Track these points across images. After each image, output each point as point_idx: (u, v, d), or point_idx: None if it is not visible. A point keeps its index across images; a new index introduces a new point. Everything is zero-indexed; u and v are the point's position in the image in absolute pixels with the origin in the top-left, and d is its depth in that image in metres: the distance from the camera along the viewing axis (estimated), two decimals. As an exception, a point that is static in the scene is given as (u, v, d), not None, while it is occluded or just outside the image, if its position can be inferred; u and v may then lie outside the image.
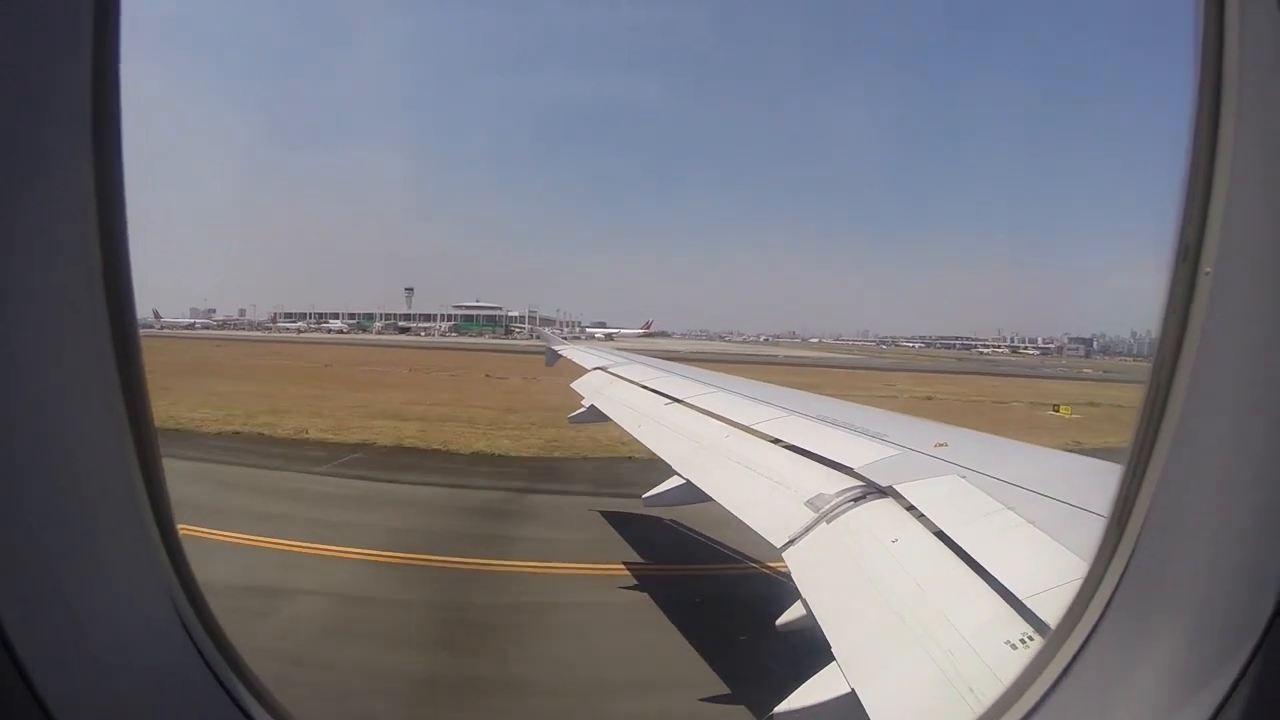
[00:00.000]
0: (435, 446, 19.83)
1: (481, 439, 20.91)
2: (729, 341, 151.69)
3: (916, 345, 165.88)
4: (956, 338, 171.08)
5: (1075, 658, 1.61)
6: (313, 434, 21.18)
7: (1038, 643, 2.27)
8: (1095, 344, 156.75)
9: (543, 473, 17.15)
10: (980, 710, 1.88)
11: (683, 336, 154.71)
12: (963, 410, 33.96)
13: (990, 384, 56.57)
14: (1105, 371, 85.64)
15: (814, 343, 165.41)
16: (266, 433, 21.08)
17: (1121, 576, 1.54)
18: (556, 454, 19.44)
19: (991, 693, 1.92)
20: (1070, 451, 5.66)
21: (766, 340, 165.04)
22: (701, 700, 7.07)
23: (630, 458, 19.00)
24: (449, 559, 10.48)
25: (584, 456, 19.22)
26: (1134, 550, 1.52)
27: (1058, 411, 37.04)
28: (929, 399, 40.44)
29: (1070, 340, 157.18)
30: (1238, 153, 1.29)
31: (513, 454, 19.20)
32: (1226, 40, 1.28)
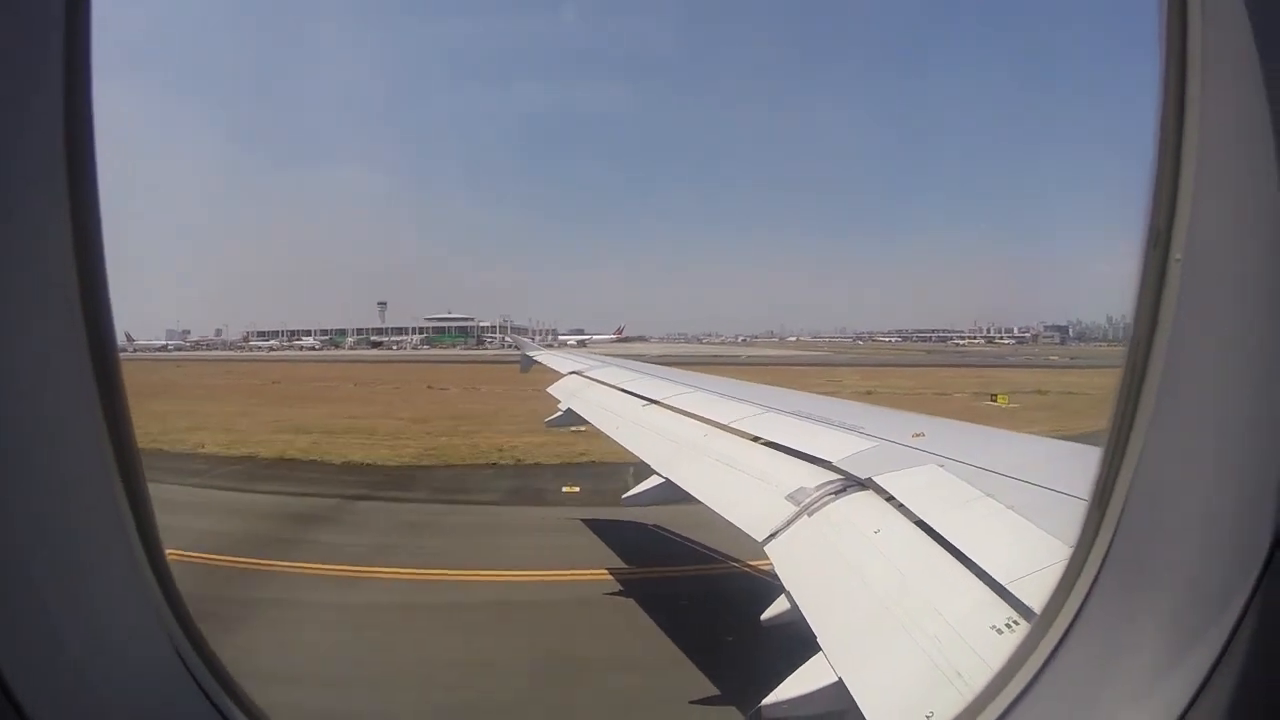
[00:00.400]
0: (314, 458, 20.86)
1: (365, 449, 21.93)
2: (706, 344, 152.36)
3: (893, 340, 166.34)
4: (933, 330, 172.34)
5: (1063, 639, 1.64)
6: (208, 449, 22.19)
7: (1023, 627, 2.29)
8: (1071, 331, 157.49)
9: (395, 481, 18.10)
10: (969, 694, 1.88)
11: (661, 340, 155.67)
12: (900, 402, 34.71)
13: (944, 375, 57.10)
14: (1072, 358, 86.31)
15: (791, 341, 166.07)
16: (166, 449, 21.91)
17: (1105, 558, 1.57)
18: (425, 462, 20.46)
19: (979, 677, 1.89)
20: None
21: (744, 341, 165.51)
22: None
23: (495, 464, 20.15)
24: (232, 559, 11.37)
25: (449, 464, 20.26)
26: (1116, 531, 1.55)
27: (995, 401, 37.78)
28: (869, 393, 41.09)
29: (1046, 328, 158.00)
30: (1204, 142, 1.32)
31: (382, 463, 20.20)
32: (1190, 30, 1.31)
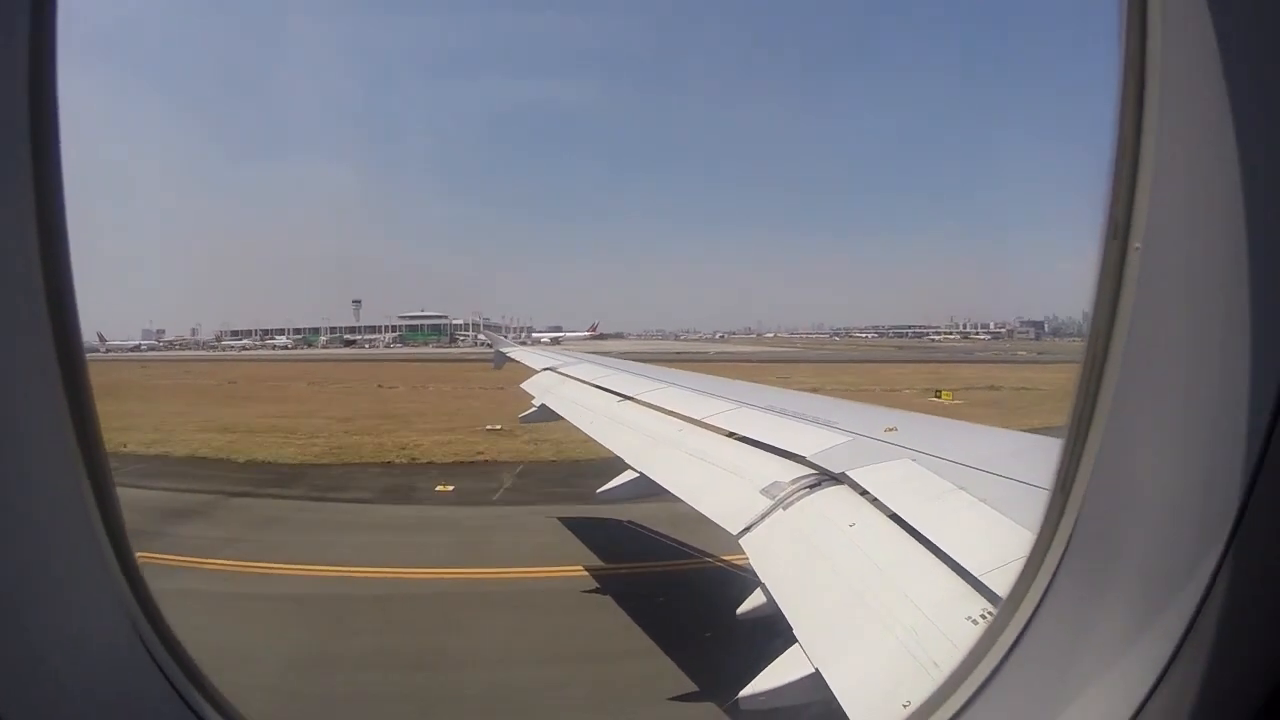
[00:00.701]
0: (223, 456, 21.72)
1: (275, 448, 22.81)
2: (684, 340, 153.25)
3: (869, 336, 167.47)
4: (909, 327, 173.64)
5: (1029, 623, 1.67)
6: (129, 448, 22.83)
7: None
8: (1046, 326, 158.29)
9: (282, 479, 18.95)
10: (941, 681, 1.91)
11: (639, 337, 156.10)
12: (842, 399, 35.23)
13: (903, 371, 57.38)
14: (1040, 353, 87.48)
15: (769, 338, 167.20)
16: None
17: (1068, 543, 1.59)
18: (324, 460, 21.37)
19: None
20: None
21: (722, 337, 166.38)
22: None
23: (389, 463, 20.99)
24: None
25: (344, 462, 21.13)
26: (1078, 517, 1.57)
27: (939, 397, 38.49)
28: (814, 390, 41.59)
29: (1022, 324, 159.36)
30: (1162, 132, 1.34)
31: (282, 461, 21.16)
32: (1150, 23, 1.34)
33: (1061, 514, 1.62)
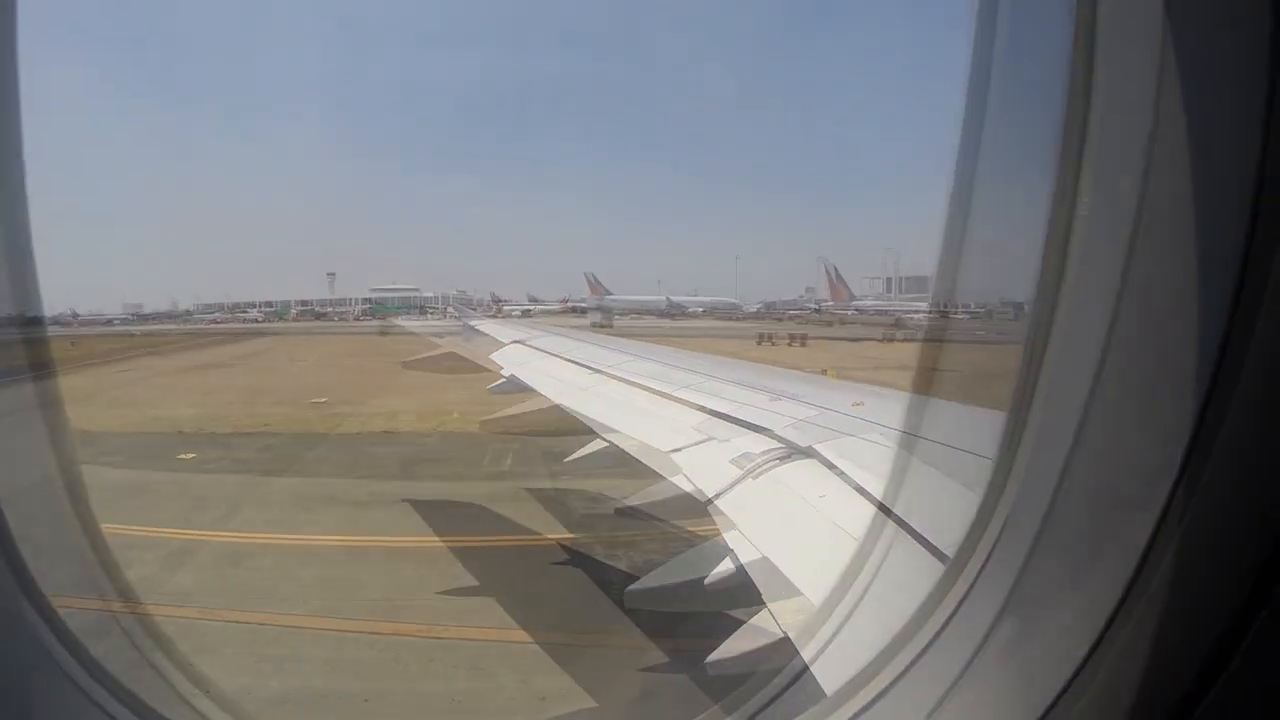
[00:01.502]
0: (50, 426, 24.18)
1: (105, 421, 24.74)
2: (664, 317, 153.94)
3: (850, 313, 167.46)
4: (889, 307, 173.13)
5: (975, 580, 1.74)
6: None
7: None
8: (1026, 307, 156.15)
9: (80, 443, 21.17)
10: (915, 651, 1.92)
11: (621, 313, 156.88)
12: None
13: (827, 348, 58.36)
14: (999, 333, 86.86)
15: (750, 312, 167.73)
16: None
17: (1012, 506, 1.66)
18: (130, 429, 23.59)
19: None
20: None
21: (704, 312, 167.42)
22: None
23: (180, 432, 23.01)
24: None
25: (149, 431, 23.33)
26: (1024, 479, 1.63)
27: (825, 375, 39.99)
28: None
29: (1002, 304, 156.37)
30: (1109, 98, 1.36)
31: (94, 430, 23.01)
32: None
33: (1007, 477, 1.67)
